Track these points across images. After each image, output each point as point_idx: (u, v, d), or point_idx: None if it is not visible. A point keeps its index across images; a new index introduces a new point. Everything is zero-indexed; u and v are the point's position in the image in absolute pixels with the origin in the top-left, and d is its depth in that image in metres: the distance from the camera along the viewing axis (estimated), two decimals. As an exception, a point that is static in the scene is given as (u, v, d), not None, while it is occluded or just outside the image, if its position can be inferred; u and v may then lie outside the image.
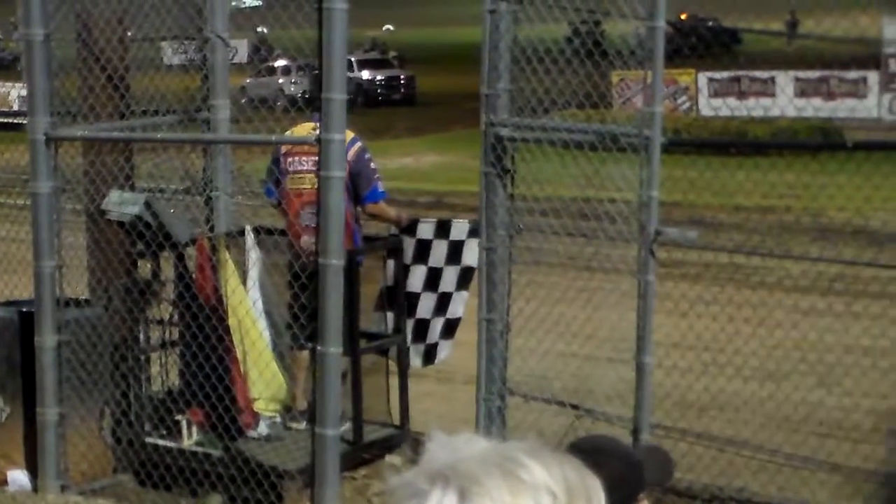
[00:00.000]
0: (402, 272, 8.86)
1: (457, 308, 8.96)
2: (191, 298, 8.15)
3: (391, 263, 8.88)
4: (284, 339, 8.52)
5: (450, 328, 8.98)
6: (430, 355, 9.09)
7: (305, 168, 8.46)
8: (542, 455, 1.64)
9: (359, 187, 8.65)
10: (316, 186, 7.98)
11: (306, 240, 8.30)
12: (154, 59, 8.87)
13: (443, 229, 8.89)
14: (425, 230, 8.88)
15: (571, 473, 1.64)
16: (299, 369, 8.55)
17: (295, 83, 34.80)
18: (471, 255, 8.70)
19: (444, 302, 8.95)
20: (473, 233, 8.71)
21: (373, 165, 8.77)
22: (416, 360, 9.03)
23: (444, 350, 9.07)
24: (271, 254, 8.58)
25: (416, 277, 8.87)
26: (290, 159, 8.56)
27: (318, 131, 7.73)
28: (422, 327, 8.98)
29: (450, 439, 1.68)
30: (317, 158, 8.07)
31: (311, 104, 8.44)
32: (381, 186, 8.77)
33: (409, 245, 8.87)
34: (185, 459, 8.18)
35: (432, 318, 8.96)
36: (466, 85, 16.64)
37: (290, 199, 8.51)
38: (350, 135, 8.91)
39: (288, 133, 8.54)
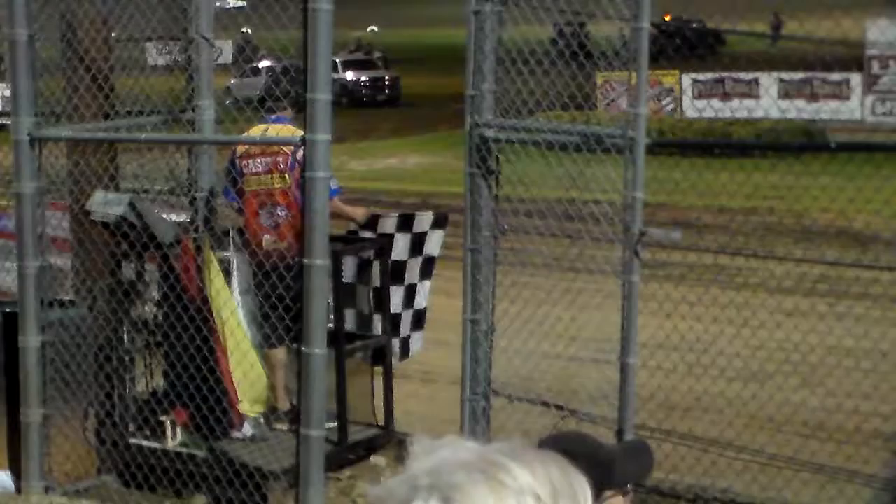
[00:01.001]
0: (387, 274, 8.88)
1: (421, 299, 9.03)
2: (175, 299, 8.14)
3: (376, 264, 8.90)
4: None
5: (418, 320, 9.04)
6: (405, 349, 9.13)
7: (261, 169, 8.51)
8: (526, 457, 1.64)
9: None
10: (271, 187, 8.08)
11: (267, 238, 8.38)
12: (139, 59, 8.86)
13: (406, 222, 8.94)
14: (388, 224, 8.92)
15: (556, 474, 1.64)
16: (273, 368, 8.55)
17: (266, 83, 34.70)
18: (432, 245, 8.78)
19: (410, 294, 9.01)
20: (437, 223, 8.77)
21: None
22: (394, 358, 9.06)
23: (417, 342, 9.12)
24: (241, 253, 8.60)
25: (381, 273, 8.92)
26: (245, 161, 8.58)
27: (267, 133, 7.85)
28: (395, 322, 9.01)
29: (433, 443, 1.68)
30: (271, 160, 8.17)
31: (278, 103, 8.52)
32: (334, 184, 8.78)
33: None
34: (170, 460, 8.18)
35: (402, 311, 9.01)
36: (451, 86, 16.65)
37: (248, 200, 8.54)
38: (300, 132, 8.92)
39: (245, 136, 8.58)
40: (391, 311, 8.95)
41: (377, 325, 8.97)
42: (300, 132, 8.71)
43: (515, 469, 1.61)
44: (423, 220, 9.01)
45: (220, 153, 8.86)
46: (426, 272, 9.01)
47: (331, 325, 8.09)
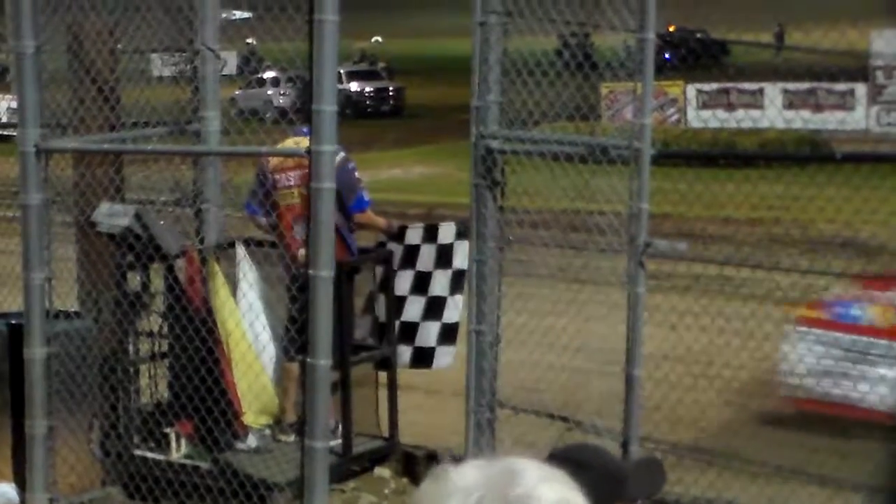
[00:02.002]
0: (392, 284, 8.87)
1: (452, 313, 8.95)
2: (180, 310, 8.14)
3: (379, 271, 8.89)
4: (278, 350, 8.54)
5: (448, 334, 8.96)
6: (422, 358, 9.07)
7: (293, 183, 8.52)
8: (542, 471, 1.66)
9: (344, 198, 8.68)
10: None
11: (303, 253, 8.34)
12: (144, 70, 8.87)
13: (430, 233, 8.93)
14: (413, 236, 8.91)
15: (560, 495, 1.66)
16: (289, 381, 8.55)
17: (284, 94, 34.81)
18: (460, 258, 8.72)
19: (435, 306, 8.95)
20: (461, 235, 8.73)
21: (356, 175, 8.81)
22: (403, 358, 9.02)
23: (445, 357, 9.04)
24: (262, 266, 8.59)
25: (404, 280, 8.89)
26: (277, 176, 8.61)
27: (300, 145, 7.79)
28: (409, 329, 8.97)
29: (447, 476, 1.70)
30: (302, 173, 8.12)
31: (300, 116, 8.48)
32: (366, 195, 8.80)
33: (397, 252, 8.90)
34: (174, 472, 8.17)
35: (422, 321, 8.96)
36: (455, 97, 16.67)
37: (282, 214, 8.55)
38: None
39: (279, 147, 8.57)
40: (407, 321, 8.92)
41: (389, 333, 8.95)
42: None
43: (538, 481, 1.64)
44: (447, 231, 8.98)
45: (225, 164, 8.87)
46: (457, 286, 8.92)
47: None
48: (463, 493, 1.65)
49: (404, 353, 9.02)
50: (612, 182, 7.42)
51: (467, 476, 1.68)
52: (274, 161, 8.58)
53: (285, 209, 8.56)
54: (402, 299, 8.90)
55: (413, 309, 8.94)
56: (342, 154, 8.80)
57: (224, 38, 8.59)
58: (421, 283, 8.91)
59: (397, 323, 8.93)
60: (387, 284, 8.86)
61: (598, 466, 3.27)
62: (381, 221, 9.01)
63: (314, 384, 6.99)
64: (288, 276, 8.35)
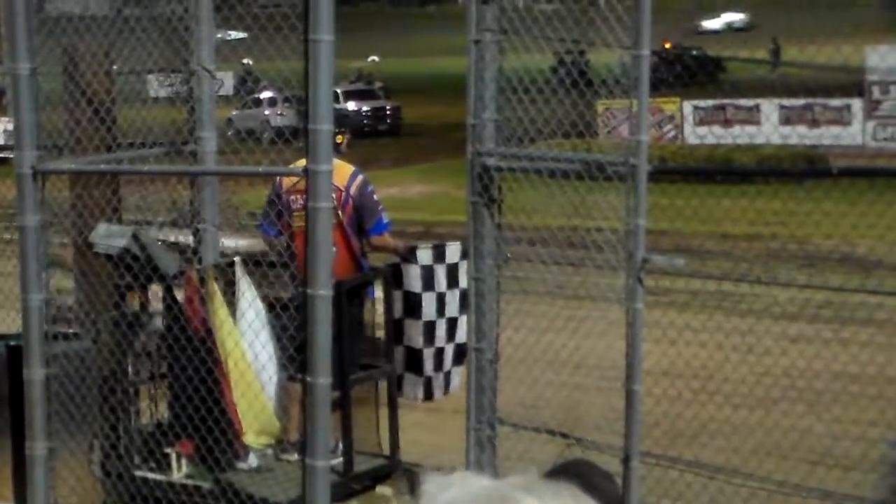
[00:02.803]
0: (392, 303, 8.87)
1: (463, 333, 8.97)
2: (179, 331, 8.14)
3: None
4: (279, 371, 8.52)
5: (460, 354, 8.97)
6: (447, 384, 9.09)
7: (303, 205, 8.50)
8: (539, 490, 1.64)
9: (363, 220, 8.70)
10: None
11: None
12: (140, 91, 8.88)
13: (439, 253, 8.94)
14: (425, 256, 8.91)
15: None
16: (291, 401, 8.54)
17: (281, 115, 34.84)
18: (465, 278, 8.73)
19: (452, 327, 8.98)
20: (466, 254, 8.74)
21: (376, 197, 8.84)
22: (438, 392, 9.02)
23: (456, 377, 9.05)
24: (261, 286, 8.58)
25: (430, 305, 8.87)
26: (291, 197, 8.64)
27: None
28: (439, 356, 8.98)
29: (444, 480, 1.67)
30: None
31: (297, 137, 8.47)
32: (385, 218, 8.83)
33: (415, 273, 8.87)
34: (175, 492, 8.16)
35: (446, 344, 8.97)
36: (452, 115, 16.67)
37: (296, 236, 8.54)
38: (351, 168, 8.95)
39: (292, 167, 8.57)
40: (437, 346, 8.92)
41: (426, 360, 8.93)
42: (350, 167, 8.77)
43: (529, 503, 1.60)
44: (453, 251, 8.99)
45: (222, 184, 8.87)
46: (464, 306, 8.95)
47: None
48: None
49: (439, 380, 9.02)
50: (610, 199, 7.42)
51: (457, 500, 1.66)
52: (287, 182, 8.59)
53: (298, 231, 8.53)
54: (431, 324, 8.89)
55: (440, 334, 8.94)
56: (361, 176, 8.83)
57: (220, 58, 8.60)
58: (441, 306, 8.92)
59: (430, 350, 8.92)
60: (388, 302, 8.87)
61: (607, 477, 3.29)
62: (393, 244, 9.04)
63: (314, 403, 6.99)
64: (299, 297, 8.34)
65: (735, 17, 77.56)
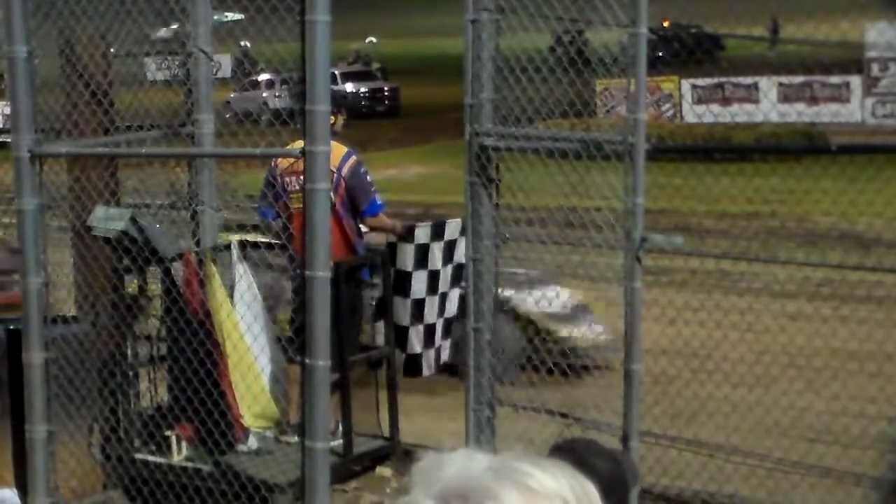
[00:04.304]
0: (389, 285, 8.87)
1: (452, 306, 9.00)
2: (178, 313, 8.14)
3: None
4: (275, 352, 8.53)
5: (448, 328, 9.00)
6: (437, 360, 9.12)
7: (299, 187, 8.49)
8: (543, 464, 1.64)
9: (357, 201, 8.70)
10: None
11: None
12: (137, 74, 8.86)
13: (438, 231, 8.95)
14: (422, 234, 8.93)
15: (573, 481, 1.64)
16: (290, 383, 8.54)
17: (279, 97, 34.79)
18: (461, 252, 8.75)
19: (442, 302, 9.00)
20: (465, 230, 8.76)
21: (369, 178, 8.84)
22: (427, 371, 9.05)
23: (446, 351, 9.09)
24: (258, 268, 8.59)
25: (420, 283, 8.90)
26: (286, 179, 8.64)
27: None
28: (430, 333, 9.00)
29: (442, 457, 1.67)
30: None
31: (294, 119, 8.45)
32: (378, 199, 8.84)
33: (408, 252, 8.89)
34: (175, 475, 8.17)
35: (436, 320, 9.00)
36: (450, 96, 16.66)
37: (293, 217, 8.54)
38: (344, 149, 8.94)
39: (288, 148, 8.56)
40: (427, 322, 8.95)
41: (412, 337, 8.95)
42: (343, 148, 8.76)
43: (539, 475, 1.61)
44: (453, 227, 9.02)
45: (220, 167, 8.86)
46: (456, 279, 8.97)
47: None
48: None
49: (427, 360, 9.05)
50: (608, 178, 7.41)
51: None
52: (283, 164, 8.57)
53: (296, 213, 8.52)
54: (420, 301, 8.91)
55: (430, 311, 8.96)
56: (353, 157, 8.82)
57: (216, 40, 8.58)
58: (433, 283, 8.93)
59: (421, 328, 8.94)
60: (384, 286, 8.88)
61: (608, 457, 3.29)
62: (388, 223, 9.05)
63: (313, 385, 6.99)
64: (296, 280, 8.35)
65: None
